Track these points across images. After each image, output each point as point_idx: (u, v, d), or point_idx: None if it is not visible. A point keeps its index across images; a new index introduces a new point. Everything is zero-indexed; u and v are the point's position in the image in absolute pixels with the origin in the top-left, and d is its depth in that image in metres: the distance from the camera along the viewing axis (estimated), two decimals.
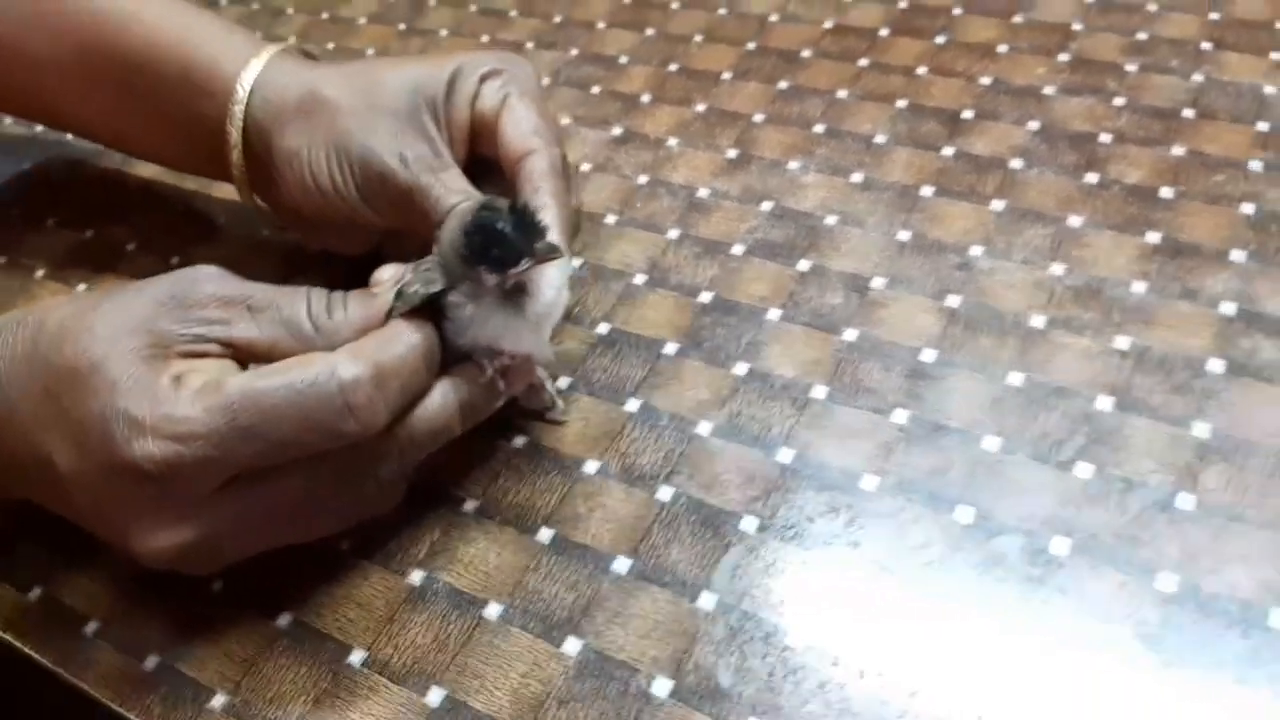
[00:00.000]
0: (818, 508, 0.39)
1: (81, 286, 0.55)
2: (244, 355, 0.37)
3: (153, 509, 0.34)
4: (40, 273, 0.57)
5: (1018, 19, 0.61)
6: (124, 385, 0.33)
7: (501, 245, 0.35)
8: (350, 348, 0.35)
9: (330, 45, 0.70)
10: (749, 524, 0.39)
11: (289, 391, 0.33)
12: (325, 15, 0.74)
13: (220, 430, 0.33)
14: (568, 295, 0.40)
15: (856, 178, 0.52)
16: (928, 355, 0.44)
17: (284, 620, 0.39)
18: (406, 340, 0.36)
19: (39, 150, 0.62)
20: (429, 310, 0.37)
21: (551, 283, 0.38)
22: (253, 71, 0.46)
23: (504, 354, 0.38)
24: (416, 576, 0.39)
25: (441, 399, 0.37)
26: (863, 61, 0.60)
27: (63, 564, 0.41)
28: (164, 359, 0.35)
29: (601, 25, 0.67)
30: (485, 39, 0.68)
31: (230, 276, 0.37)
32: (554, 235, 0.37)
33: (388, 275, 0.40)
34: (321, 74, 0.46)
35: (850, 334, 0.45)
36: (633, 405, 0.44)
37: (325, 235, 0.49)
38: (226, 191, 0.51)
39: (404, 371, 0.35)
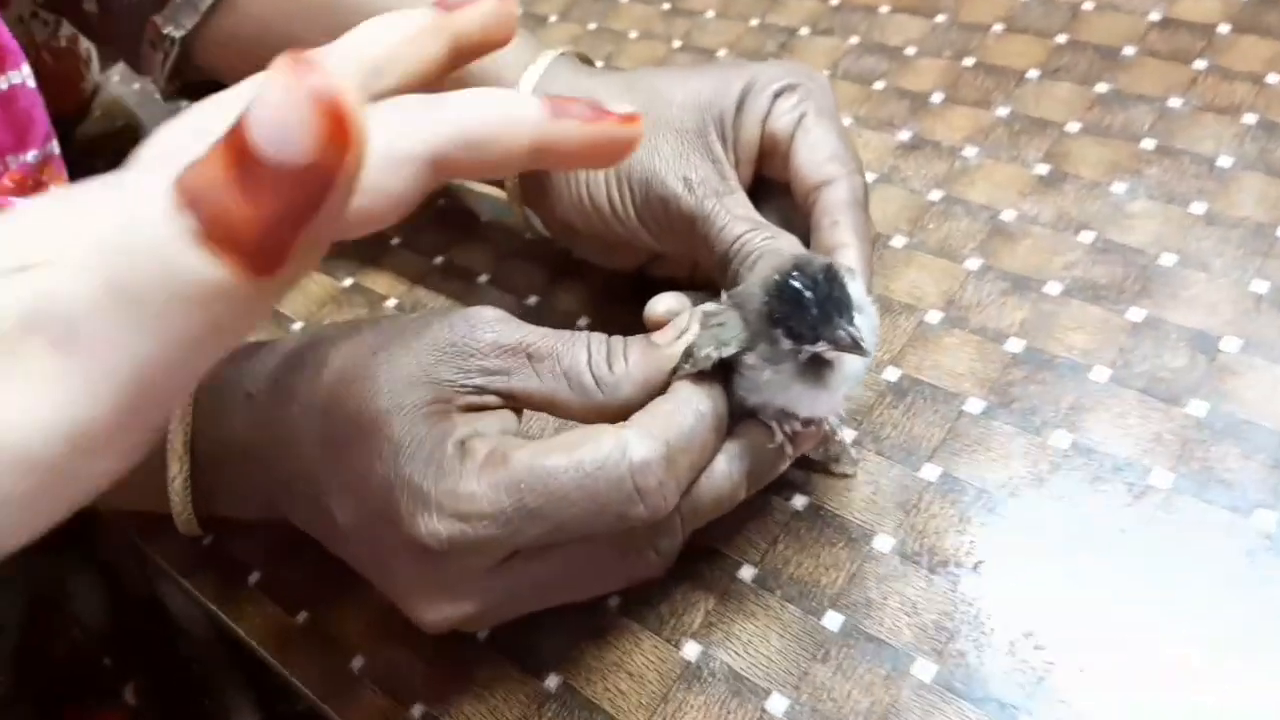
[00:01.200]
0: (1160, 626, 0.33)
1: (348, 281, 0.55)
2: (522, 405, 0.35)
3: (433, 582, 0.33)
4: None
5: None
6: (408, 450, 0.32)
7: (804, 320, 0.32)
8: (640, 423, 0.32)
9: (592, 25, 0.67)
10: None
11: (578, 473, 0.31)
12: None
13: (506, 511, 0.31)
14: (873, 360, 0.35)
15: (1197, 208, 0.45)
16: None
17: (552, 682, 0.36)
18: (695, 410, 0.33)
19: None
20: (718, 369, 0.34)
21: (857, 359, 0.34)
22: (531, 77, 0.44)
23: (796, 418, 0.35)
24: (691, 650, 0.36)
25: (728, 465, 0.34)
26: (1199, 64, 0.51)
27: (331, 589, 0.40)
28: (446, 416, 0.33)
29: (885, 9, 0.61)
30: (755, 22, 0.63)
31: (508, 320, 0.35)
32: (863, 310, 0.33)
33: (663, 309, 0.37)
34: (602, 84, 0.44)
35: (1198, 407, 0.38)
36: (930, 472, 0.39)
37: (593, 249, 0.47)
38: (490, 191, 0.49)
39: (694, 448, 0.33)
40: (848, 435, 0.40)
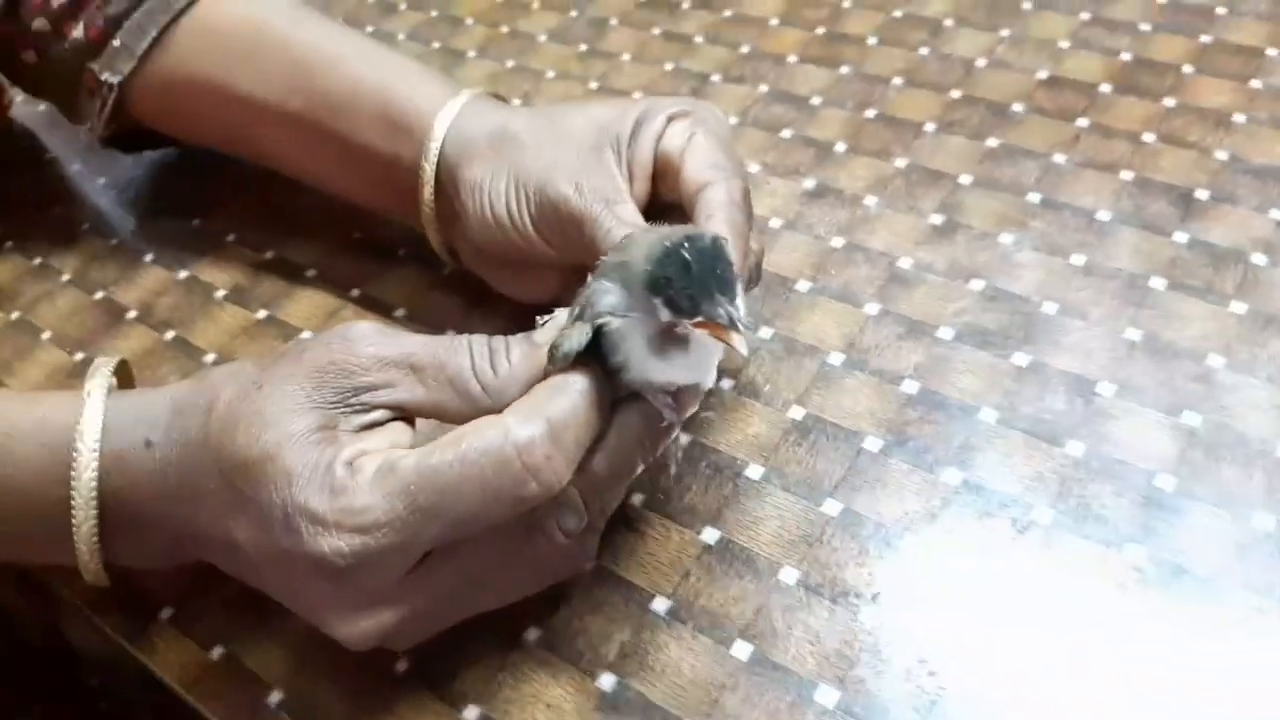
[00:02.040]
0: (1037, 655, 0.36)
1: (183, 274, 0.56)
2: (411, 415, 0.36)
3: (348, 598, 0.34)
4: (149, 257, 0.58)
5: (1255, 83, 0.56)
6: (300, 478, 0.32)
7: (686, 291, 0.32)
8: (519, 407, 0.33)
9: (510, 63, 0.68)
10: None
11: (464, 464, 0.32)
12: (505, 29, 0.72)
13: (402, 515, 0.32)
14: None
15: (1077, 260, 0.48)
16: (1164, 481, 0.40)
17: (471, 713, 0.37)
18: (576, 388, 0.34)
19: (228, 166, 0.62)
20: (593, 348, 0.35)
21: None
22: (450, 112, 0.47)
23: (674, 386, 0.36)
24: (607, 681, 0.37)
25: (617, 436, 0.35)
26: (1082, 121, 0.55)
27: (247, 623, 0.40)
28: (333, 439, 0.34)
29: (793, 59, 0.64)
30: (669, 66, 0.65)
31: (386, 332, 0.36)
32: (740, 302, 0.33)
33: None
34: (512, 112, 0.47)
35: (1075, 448, 0.41)
36: (832, 507, 0.41)
37: (505, 278, 0.49)
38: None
39: (577, 422, 0.33)
40: (750, 474, 0.42)
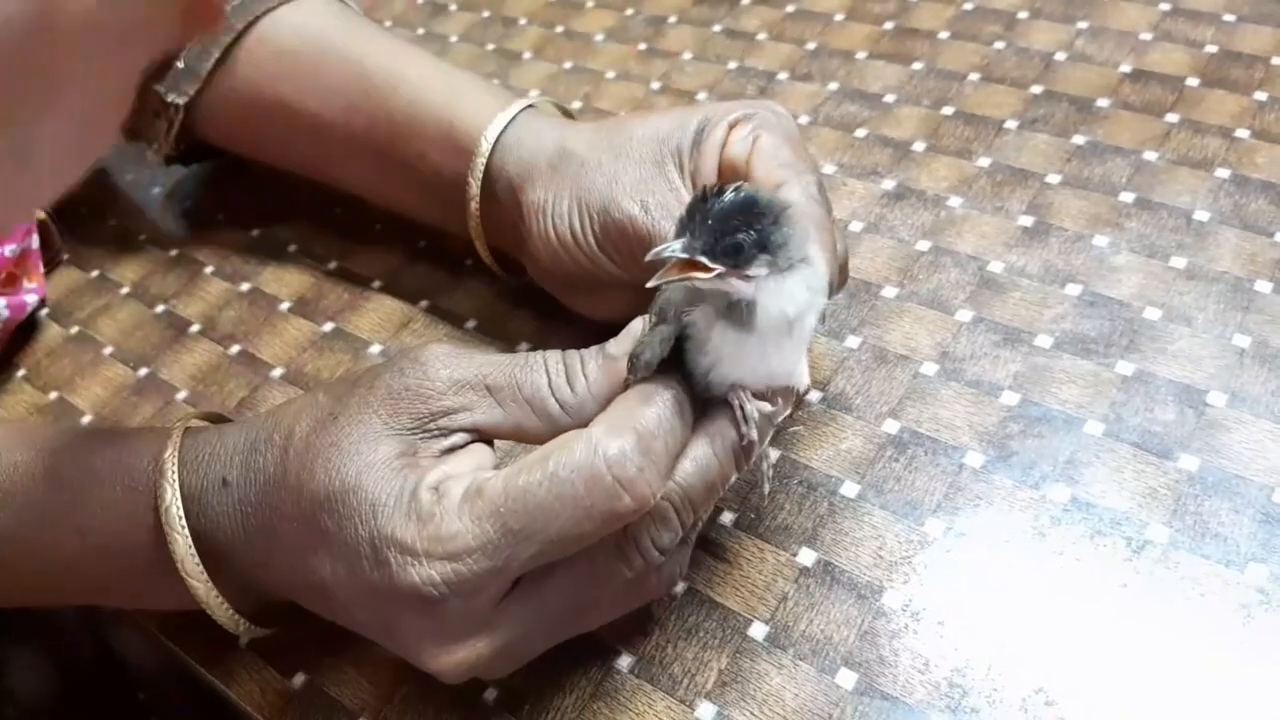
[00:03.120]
0: (1160, 679, 0.34)
1: (245, 286, 0.56)
2: (490, 437, 0.35)
3: (441, 628, 0.32)
4: (209, 269, 0.57)
5: None
6: (385, 507, 0.31)
7: (702, 231, 0.31)
8: (606, 419, 0.32)
9: (568, 65, 0.67)
10: None
11: (554, 482, 0.30)
12: (560, 29, 0.70)
13: (493, 539, 0.31)
14: (819, 310, 0.34)
15: (1177, 262, 0.46)
16: None
17: None
18: (659, 398, 0.32)
19: (286, 175, 0.61)
20: (672, 359, 0.33)
21: (791, 295, 0.32)
22: (497, 126, 0.46)
23: (748, 387, 0.34)
24: (706, 711, 0.36)
25: (709, 444, 0.34)
26: (1171, 117, 0.53)
27: (329, 651, 0.39)
28: (415, 465, 0.33)
29: (862, 55, 0.62)
30: (733, 65, 0.63)
31: (459, 354, 0.35)
32: (795, 233, 0.32)
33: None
34: (571, 129, 0.46)
35: (1189, 461, 0.39)
36: (935, 527, 0.39)
37: (575, 297, 0.47)
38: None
39: (666, 431, 0.32)
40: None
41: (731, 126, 0.42)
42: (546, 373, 0.34)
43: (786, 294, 0.32)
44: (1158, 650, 0.35)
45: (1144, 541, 0.37)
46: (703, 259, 0.31)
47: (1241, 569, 0.36)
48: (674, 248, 0.31)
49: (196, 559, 0.35)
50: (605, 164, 0.43)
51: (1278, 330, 0.43)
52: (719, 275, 0.31)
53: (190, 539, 0.35)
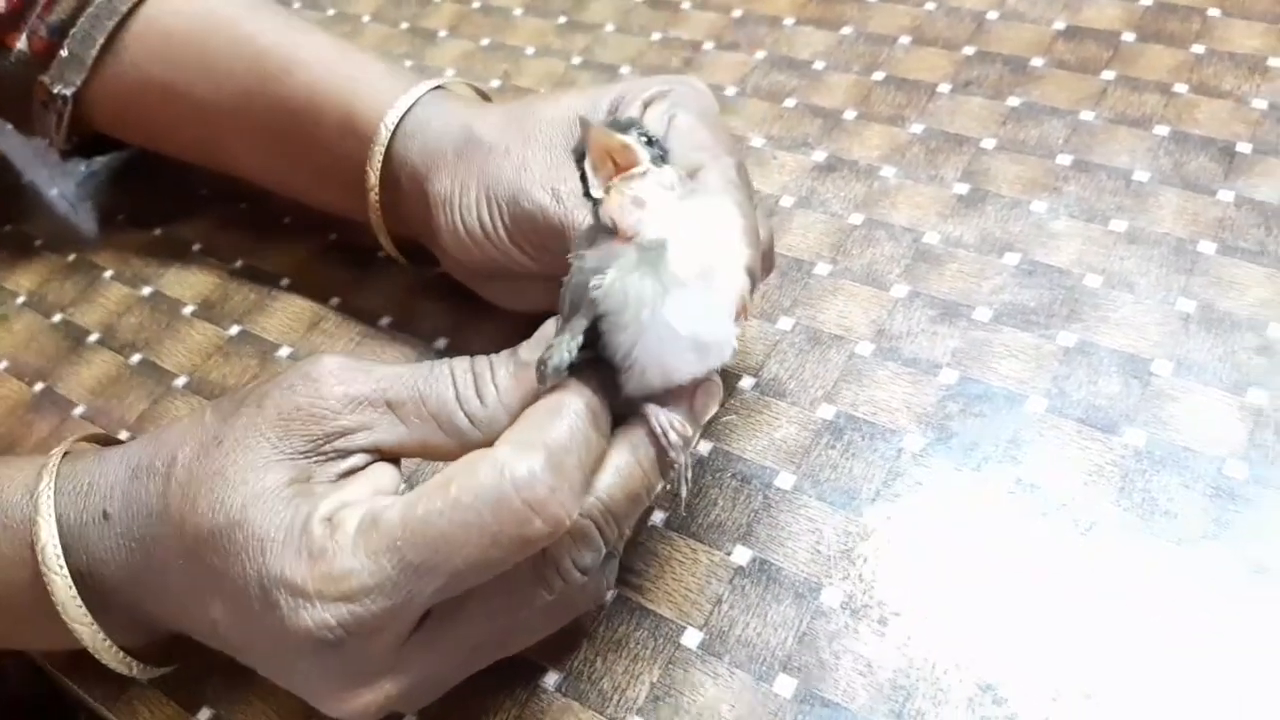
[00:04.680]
0: (1115, 667, 0.32)
1: (147, 290, 0.52)
2: (393, 456, 0.32)
3: (341, 672, 0.30)
4: (109, 273, 0.54)
5: None
6: (274, 543, 0.28)
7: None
8: (512, 437, 0.29)
9: (485, 41, 0.64)
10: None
11: (457, 510, 0.27)
12: (476, 4, 0.67)
13: (391, 576, 0.28)
14: (739, 268, 0.31)
15: (1118, 225, 0.45)
16: (1234, 469, 0.36)
17: None
18: (571, 408, 0.30)
19: (189, 170, 0.57)
20: (590, 359, 0.31)
21: (700, 237, 0.30)
22: (397, 111, 0.43)
23: (677, 370, 0.31)
24: None
25: (631, 453, 0.31)
26: (1107, 74, 0.51)
27: (234, 683, 0.37)
28: (308, 494, 0.30)
29: (790, 21, 0.59)
30: (657, 36, 0.60)
31: (354, 367, 0.32)
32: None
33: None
34: (478, 113, 0.43)
35: (1135, 436, 0.38)
36: (873, 517, 0.37)
37: (491, 289, 0.45)
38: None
39: (576, 445, 0.29)
40: (781, 484, 0.38)
41: (646, 105, 0.39)
42: (453, 384, 0.31)
43: (691, 225, 0.30)
44: (1110, 636, 0.33)
45: (1092, 522, 0.36)
46: (631, 140, 0.29)
47: (1194, 546, 0.35)
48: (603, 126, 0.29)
49: (79, 601, 0.32)
50: (514, 150, 0.40)
51: (1222, 293, 0.41)
52: (648, 172, 0.29)
53: (70, 579, 0.32)
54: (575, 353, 0.29)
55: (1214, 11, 0.54)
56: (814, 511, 0.38)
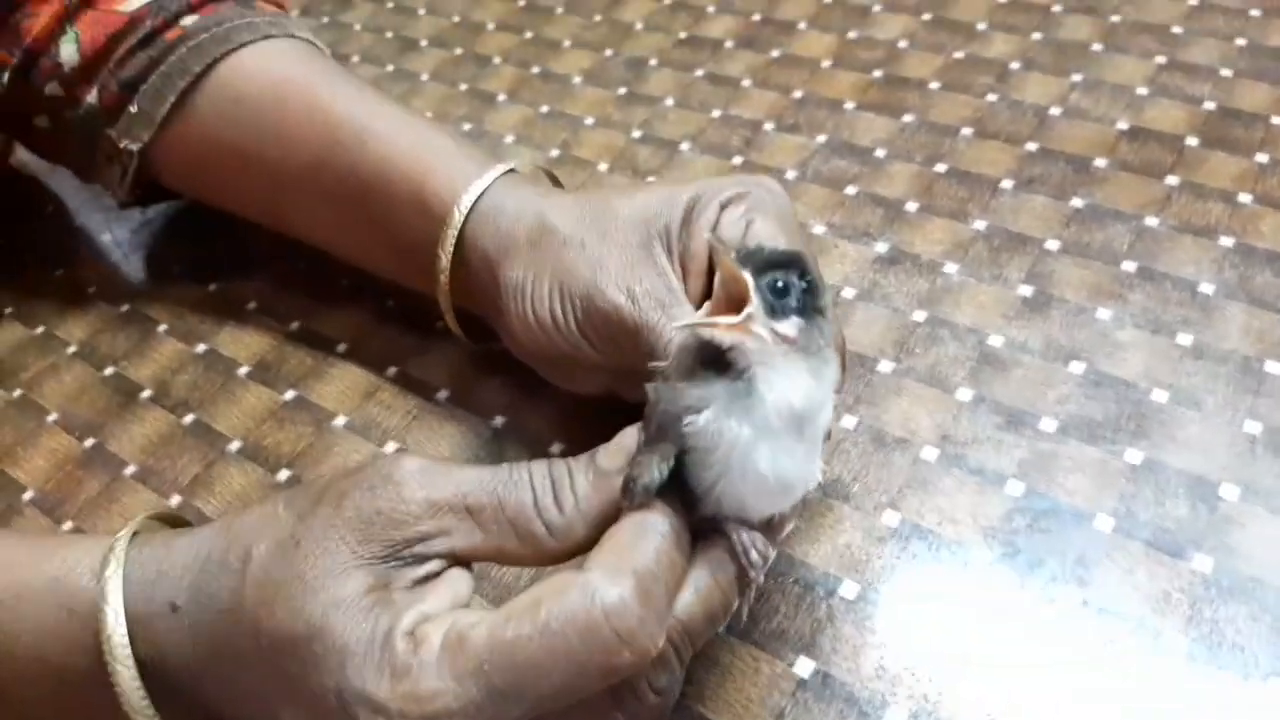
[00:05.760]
0: None
1: (201, 347, 0.52)
2: (468, 560, 0.32)
3: None
4: (163, 327, 0.54)
5: None
6: (355, 656, 0.28)
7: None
8: (600, 560, 0.29)
9: (544, 108, 0.64)
10: None
11: (546, 636, 0.27)
12: (536, 69, 0.67)
13: (476, 699, 0.27)
14: (829, 410, 0.31)
15: (1184, 339, 0.45)
16: None
17: None
18: (657, 531, 0.29)
19: (248, 225, 0.57)
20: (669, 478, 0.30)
21: (798, 382, 0.30)
22: (471, 195, 0.43)
23: (757, 508, 0.31)
24: None
25: (710, 575, 0.31)
26: (1171, 180, 0.51)
27: None
28: (388, 603, 0.29)
29: (850, 105, 0.59)
30: (717, 113, 0.61)
31: (434, 469, 0.31)
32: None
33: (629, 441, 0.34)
34: (552, 202, 0.43)
35: (1203, 562, 0.37)
36: (940, 633, 0.37)
37: (554, 374, 0.44)
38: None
39: (663, 571, 0.29)
40: (845, 594, 0.38)
41: (724, 206, 0.39)
42: (532, 490, 0.31)
43: (793, 379, 0.30)
44: None
45: (1160, 650, 0.35)
46: (748, 277, 0.29)
47: (1263, 682, 0.34)
48: (731, 252, 0.29)
49: (143, 693, 0.31)
50: (590, 245, 0.40)
51: None
52: (752, 318, 0.29)
53: (135, 671, 0.31)
54: (666, 475, 0.29)
55: (1277, 120, 0.54)
56: (879, 624, 0.37)
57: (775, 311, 0.29)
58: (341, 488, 0.31)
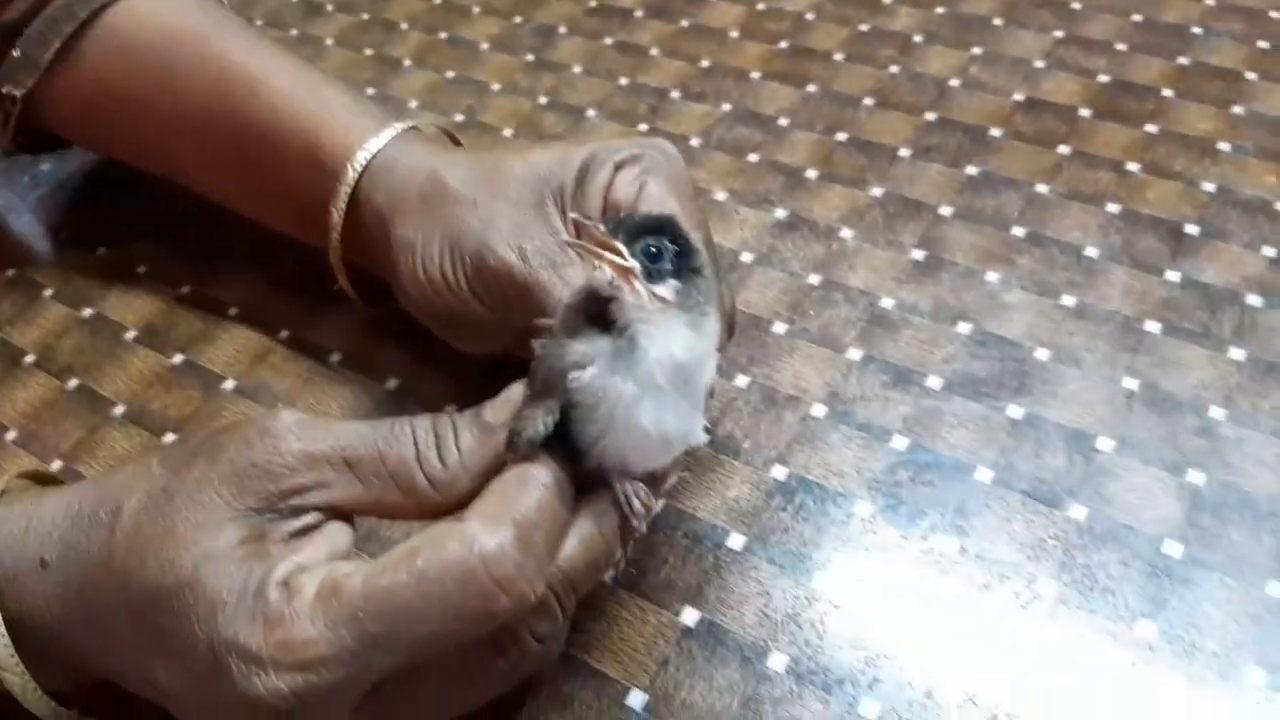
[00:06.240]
0: None
1: (88, 311, 0.51)
2: (350, 513, 0.31)
3: None
4: (49, 292, 0.52)
5: (1238, 109, 0.54)
6: (227, 607, 0.27)
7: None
8: (481, 511, 0.29)
9: (450, 74, 0.63)
10: None
11: (422, 583, 0.27)
12: (444, 35, 0.67)
13: (350, 647, 0.27)
14: (712, 367, 0.32)
15: (1068, 300, 0.46)
16: (1171, 548, 0.37)
17: None
18: (539, 482, 0.29)
19: (139, 188, 0.56)
20: (554, 431, 0.30)
21: (680, 337, 0.30)
22: (367, 152, 0.43)
23: (640, 462, 0.31)
24: None
25: (594, 524, 0.31)
26: (1063, 149, 0.53)
27: None
28: (263, 554, 0.29)
29: (756, 75, 0.60)
30: (624, 81, 0.61)
31: (312, 423, 0.31)
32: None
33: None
34: (446, 160, 0.42)
35: (1078, 511, 0.38)
36: (822, 581, 0.37)
37: (448, 332, 0.44)
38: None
39: (544, 520, 0.29)
40: (732, 544, 0.39)
41: (618, 167, 0.39)
42: (415, 444, 0.31)
43: (674, 334, 0.30)
44: (1045, 708, 0.33)
45: (1033, 596, 0.36)
46: (620, 247, 0.29)
47: (1130, 624, 0.35)
48: (598, 225, 0.29)
49: (12, 650, 0.30)
50: (482, 203, 0.39)
51: (1166, 373, 0.43)
52: (631, 271, 0.29)
53: (3, 628, 0.30)
54: (550, 427, 0.30)
55: (1168, 92, 0.55)
56: (764, 574, 0.38)
57: (651, 276, 0.29)
58: (218, 441, 0.31)
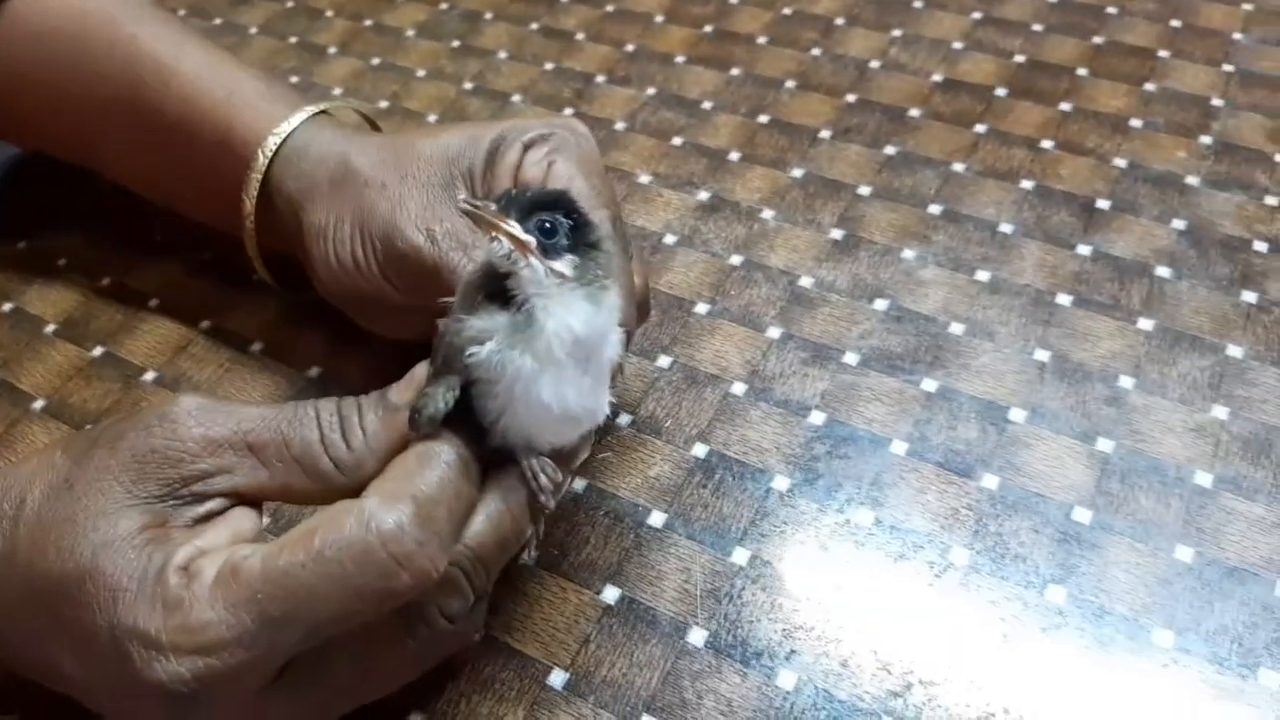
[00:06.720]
0: (964, 712, 0.34)
1: (7, 306, 0.50)
2: (255, 500, 0.31)
3: None
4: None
5: (1150, 86, 0.55)
6: (126, 594, 0.27)
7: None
8: (380, 487, 0.29)
9: (375, 60, 0.63)
10: None
11: (319, 563, 0.27)
12: (369, 22, 0.66)
13: (250, 629, 0.27)
14: (616, 344, 0.32)
15: (982, 275, 0.47)
16: (1081, 515, 0.38)
17: None
18: (441, 459, 0.29)
19: (57, 179, 0.55)
20: (459, 410, 0.30)
21: (579, 311, 0.30)
22: (277, 137, 0.42)
23: (543, 437, 0.31)
24: None
25: (502, 499, 0.31)
26: (979, 127, 0.54)
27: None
28: (164, 540, 0.29)
29: (680, 59, 0.60)
30: (550, 66, 0.61)
31: (214, 407, 0.31)
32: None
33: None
34: (357, 144, 0.42)
35: (990, 480, 0.39)
36: (740, 556, 0.38)
37: (366, 318, 0.44)
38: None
39: (446, 496, 0.29)
40: (654, 522, 0.39)
41: (527, 147, 0.39)
42: (319, 427, 0.31)
43: (575, 310, 0.30)
44: (957, 677, 0.34)
45: (946, 565, 0.37)
46: (513, 223, 0.29)
47: (1041, 591, 0.36)
48: (489, 205, 0.29)
49: None
50: (390, 186, 0.39)
51: (1076, 344, 0.44)
52: (524, 246, 0.29)
53: None
54: (451, 404, 0.29)
55: (1082, 71, 0.57)
56: (684, 550, 0.38)
57: (547, 251, 0.29)
58: (119, 429, 0.31)
